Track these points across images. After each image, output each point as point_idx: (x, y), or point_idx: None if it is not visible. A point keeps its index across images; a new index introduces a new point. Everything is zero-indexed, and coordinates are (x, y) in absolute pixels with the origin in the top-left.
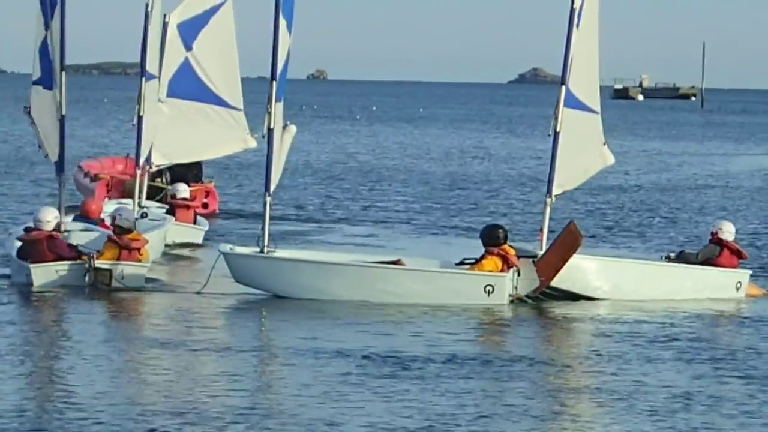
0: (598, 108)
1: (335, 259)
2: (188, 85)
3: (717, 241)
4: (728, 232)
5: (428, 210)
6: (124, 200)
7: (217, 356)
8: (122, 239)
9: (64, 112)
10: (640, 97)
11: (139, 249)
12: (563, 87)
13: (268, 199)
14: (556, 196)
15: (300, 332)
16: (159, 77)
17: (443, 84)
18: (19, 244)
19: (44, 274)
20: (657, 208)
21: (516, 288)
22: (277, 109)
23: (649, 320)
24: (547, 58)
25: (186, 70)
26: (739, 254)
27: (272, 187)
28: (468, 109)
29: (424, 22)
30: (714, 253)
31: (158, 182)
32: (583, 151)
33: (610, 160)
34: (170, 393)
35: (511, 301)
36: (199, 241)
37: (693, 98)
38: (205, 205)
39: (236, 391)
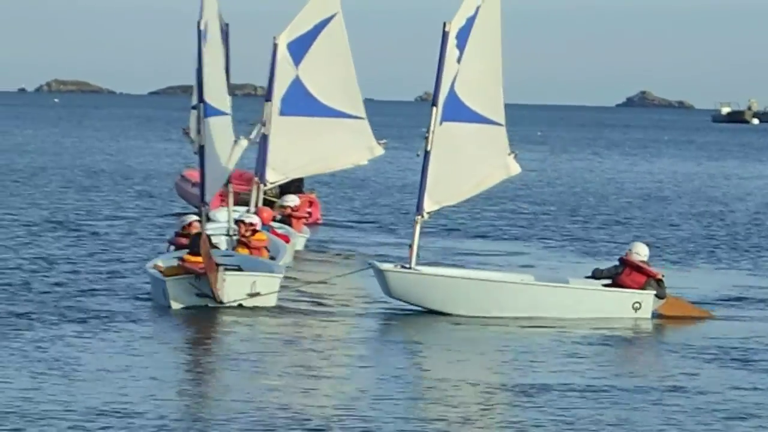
0: (501, 120)
1: None
2: (299, 102)
3: (621, 261)
4: (636, 253)
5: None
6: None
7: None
8: (251, 241)
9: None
10: (755, 121)
11: (266, 248)
12: (434, 108)
13: (204, 208)
14: (429, 213)
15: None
16: (270, 99)
17: (549, 107)
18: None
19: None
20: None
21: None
22: (215, 124)
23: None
24: (655, 81)
25: (296, 87)
26: (640, 272)
27: (208, 197)
28: (587, 131)
29: (531, 44)
30: (616, 271)
31: (269, 194)
32: (475, 165)
33: (515, 170)
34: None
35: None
36: (300, 247)
37: None
38: (308, 215)
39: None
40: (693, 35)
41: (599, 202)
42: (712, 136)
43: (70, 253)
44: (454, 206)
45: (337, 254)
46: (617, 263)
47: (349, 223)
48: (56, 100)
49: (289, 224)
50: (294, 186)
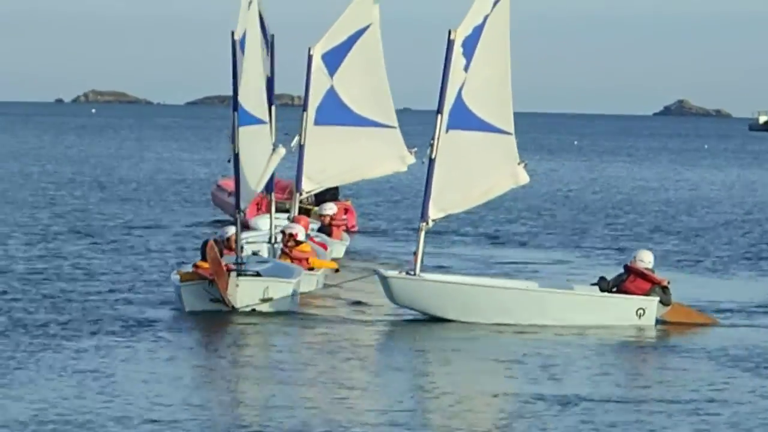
0: (510, 128)
1: None
2: (334, 112)
3: (626, 269)
4: (641, 260)
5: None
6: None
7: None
8: (293, 251)
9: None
10: None
11: (307, 259)
12: (438, 116)
13: (239, 215)
14: (434, 220)
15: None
16: (306, 109)
17: (585, 116)
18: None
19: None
20: None
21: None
22: (252, 132)
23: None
24: (693, 89)
25: (331, 97)
26: (645, 279)
27: (243, 205)
28: (624, 140)
29: (567, 52)
30: (620, 279)
31: (304, 203)
32: (483, 173)
33: (524, 179)
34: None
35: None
36: (341, 255)
37: None
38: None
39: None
40: (731, 43)
41: (638, 210)
42: (749, 144)
43: (107, 263)
44: (460, 213)
45: (381, 263)
46: (622, 271)
47: (391, 231)
48: (93, 110)
49: (329, 232)
50: (329, 194)
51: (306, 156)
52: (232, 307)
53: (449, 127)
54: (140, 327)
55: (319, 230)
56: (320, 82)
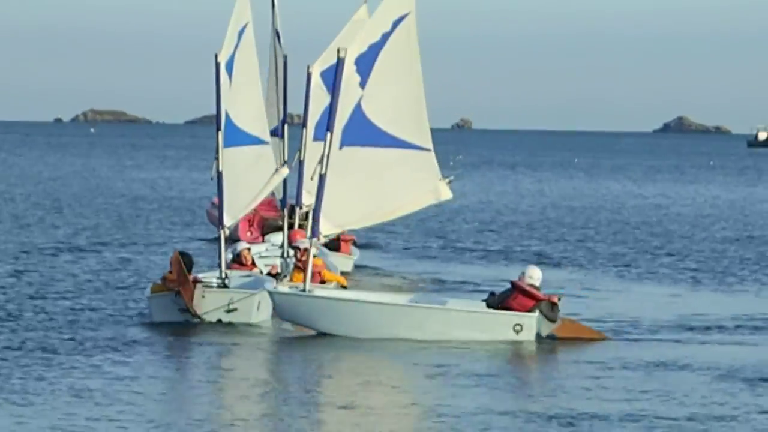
0: (428, 144)
1: None
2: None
3: (512, 285)
4: (530, 276)
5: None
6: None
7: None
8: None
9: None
10: None
11: (320, 272)
12: (328, 133)
13: (221, 231)
14: (326, 236)
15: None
16: (305, 126)
17: (585, 133)
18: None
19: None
20: None
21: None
22: (248, 152)
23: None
24: (693, 106)
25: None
26: (528, 296)
27: (229, 222)
28: (624, 157)
29: (567, 69)
30: (505, 295)
31: (292, 219)
32: (393, 189)
33: (446, 195)
34: None
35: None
36: (349, 269)
37: None
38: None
39: None
40: (730, 60)
41: (643, 227)
42: (747, 161)
43: (105, 281)
44: (359, 228)
45: (399, 278)
46: (506, 289)
47: (395, 246)
48: (92, 130)
49: (338, 247)
50: None
51: (305, 171)
52: (198, 317)
53: (345, 144)
54: (134, 345)
55: (327, 245)
56: (319, 99)
